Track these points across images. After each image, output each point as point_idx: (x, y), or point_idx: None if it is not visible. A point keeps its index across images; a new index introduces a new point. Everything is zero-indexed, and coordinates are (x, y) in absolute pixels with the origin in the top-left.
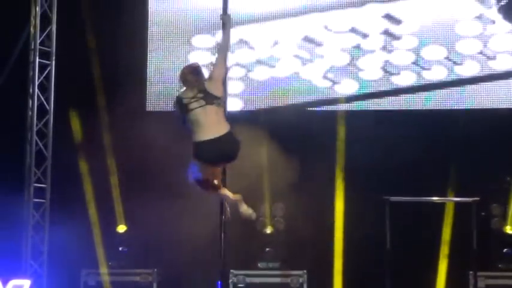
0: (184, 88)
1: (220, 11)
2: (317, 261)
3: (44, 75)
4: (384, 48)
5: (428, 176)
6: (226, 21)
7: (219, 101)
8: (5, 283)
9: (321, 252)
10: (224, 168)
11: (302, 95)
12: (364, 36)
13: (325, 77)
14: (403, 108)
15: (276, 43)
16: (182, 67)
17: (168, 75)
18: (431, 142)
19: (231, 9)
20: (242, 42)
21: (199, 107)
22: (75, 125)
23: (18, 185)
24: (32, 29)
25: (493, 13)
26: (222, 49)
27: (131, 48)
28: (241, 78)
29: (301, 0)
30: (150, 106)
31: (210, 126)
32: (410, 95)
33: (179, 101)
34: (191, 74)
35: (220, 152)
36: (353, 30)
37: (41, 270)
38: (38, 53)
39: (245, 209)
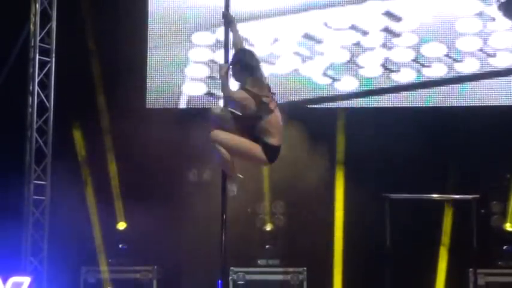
0: (251, 82)
1: (221, 8)
2: (317, 258)
3: (44, 72)
4: (384, 45)
5: (428, 173)
6: (230, 19)
7: None
8: (5, 280)
9: (321, 249)
10: None
11: (302, 92)
12: (364, 33)
13: (325, 74)
14: (403, 105)
15: (275, 40)
16: (247, 51)
17: (168, 73)
18: (431, 139)
19: (231, 6)
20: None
21: (276, 108)
22: (75, 122)
23: (18, 182)
24: (31, 26)
25: (493, 10)
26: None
27: (131, 46)
28: None
29: None
30: (150, 103)
31: (281, 131)
32: (410, 92)
33: (257, 97)
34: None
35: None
36: (353, 27)
37: (41, 267)
38: (38, 50)
39: (232, 187)
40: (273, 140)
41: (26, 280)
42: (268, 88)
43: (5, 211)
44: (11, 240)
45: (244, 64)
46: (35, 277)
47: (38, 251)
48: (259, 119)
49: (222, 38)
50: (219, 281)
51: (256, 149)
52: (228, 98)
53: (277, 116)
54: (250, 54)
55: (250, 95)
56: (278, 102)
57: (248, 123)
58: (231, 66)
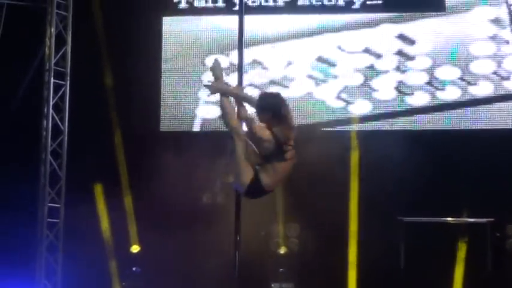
0: (281, 129)
1: (235, 31)
2: (331, 282)
3: (58, 95)
4: (398, 68)
5: (443, 197)
6: (239, 93)
7: None
8: None
9: (335, 273)
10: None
11: (316, 115)
12: (378, 56)
13: (338, 97)
14: (417, 128)
15: (289, 63)
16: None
17: (182, 96)
18: (446, 162)
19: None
20: (256, 62)
21: (291, 159)
22: (90, 145)
23: (32, 204)
24: (46, 50)
25: (507, 33)
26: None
27: (145, 69)
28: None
29: (315, 20)
30: (164, 126)
31: (281, 181)
32: (424, 115)
33: (279, 143)
34: None
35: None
36: (367, 50)
37: None
38: (52, 74)
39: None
40: (267, 182)
41: None
42: (293, 137)
43: (20, 234)
44: (25, 262)
45: (278, 114)
46: None
47: (52, 273)
48: (271, 158)
49: (235, 61)
50: None
51: (247, 175)
52: (251, 133)
53: (287, 166)
54: (285, 104)
55: (274, 139)
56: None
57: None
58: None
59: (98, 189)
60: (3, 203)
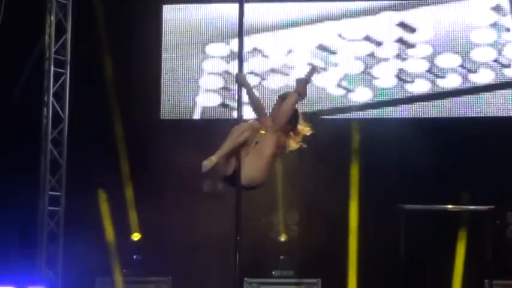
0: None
1: (235, 19)
2: (331, 269)
3: (58, 83)
4: (398, 56)
5: (443, 184)
6: (242, 81)
7: None
8: None
9: (335, 260)
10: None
11: (316, 103)
12: (378, 44)
13: (339, 85)
14: (418, 116)
15: (290, 51)
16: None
17: (182, 84)
18: (446, 150)
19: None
20: (256, 50)
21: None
22: (90, 133)
23: (33, 193)
24: (46, 38)
25: (508, 21)
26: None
27: (146, 57)
28: (255, 86)
29: (315, 8)
30: (164, 114)
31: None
32: (424, 103)
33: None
34: None
35: None
36: (367, 38)
37: (56, 277)
38: (52, 62)
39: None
40: (249, 173)
41: None
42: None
43: (20, 222)
44: (26, 251)
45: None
46: (50, 287)
47: (53, 261)
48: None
49: (236, 49)
50: None
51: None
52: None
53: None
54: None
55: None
56: None
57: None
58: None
59: (99, 177)
60: (4, 192)
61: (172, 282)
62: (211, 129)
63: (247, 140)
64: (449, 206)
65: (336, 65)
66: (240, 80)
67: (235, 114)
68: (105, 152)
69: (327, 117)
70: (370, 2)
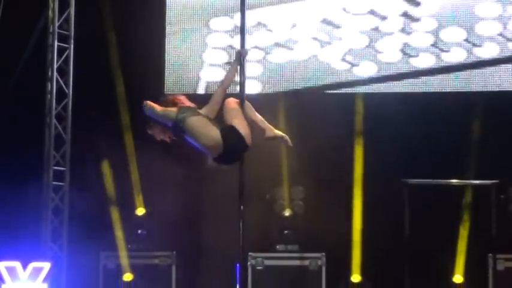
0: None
1: None
2: (336, 244)
3: (62, 58)
4: (403, 30)
5: (447, 159)
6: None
7: None
8: (25, 266)
9: (340, 235)
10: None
11: (320, 78)
12: (383, 18)
13: (343, 60)
14: (422, 90)
15: (294, 25)
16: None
17: (186, 58)
18: (450, 125)
19: None
20: (260, 24)
21: None
22: (94, 108)
23: (37, 168)
24: (50, 13)
25: None
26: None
27: (149, 31)
28: (260, 61)
29: None
30: (168, 89)
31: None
32: (429, 77)
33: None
34: None
35: None
36: (372, 12)
37: (61, 253)
38: (56, 37)
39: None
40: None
41: (45, 266)
42: None
43: (25, 197)
44: (30, 226)
45: None
46: (54, 263)
47: (58, 236)
48: None
49: (239, 23)
50: (237, 265)
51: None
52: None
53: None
54: None
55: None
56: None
57: None
58: None
59: (103, 152)
60: (8, 167)
61: (177, 257)
62: None
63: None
64: (453, 181)
65: (340, 39)
66: (243, 55)
67: (238, 88)
68: (109, 127)
69: (331, 91)
70: None
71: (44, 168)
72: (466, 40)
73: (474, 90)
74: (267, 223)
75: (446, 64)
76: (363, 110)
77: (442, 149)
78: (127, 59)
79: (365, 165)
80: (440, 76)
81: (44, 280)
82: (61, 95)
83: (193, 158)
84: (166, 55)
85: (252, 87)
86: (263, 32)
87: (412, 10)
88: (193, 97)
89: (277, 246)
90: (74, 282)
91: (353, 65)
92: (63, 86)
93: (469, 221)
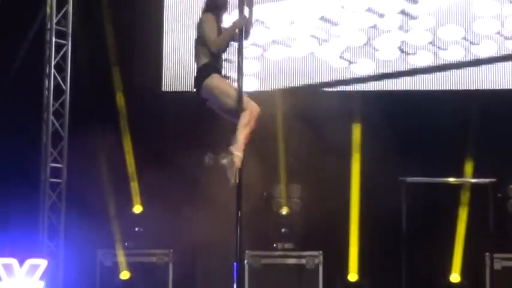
0: None
1: None
2: (333, 242)
3: (60, 55)
4: (401, 28)
5: (445, 157)
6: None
7: None
8: (21, 262)
9: (337, 233)
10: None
11: (318, 75)
12: (381, 16)
13: (341, 57)
14: (420, 88)
15: (292, 23)
16: None
17: (184, 55)
18: (448, 123)
19: None
20: (258, 21)
21: None
22: (92, 105)
23: (34, 165)
24: (48, 9)
25: None
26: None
27: (147, 28)
28: (257, 58)
29: None
30: (166, 86)
31: None
32: (427, 75)
33: None
34: None
35: None
36: (370, 10)
37: (58, 250)
38: (54, 33)
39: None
40: None
41: (42, 263)
42: None
43: (22, 194)
44: (28, 223)
45: None
46: (51, 260)
47: (55, 233)
48: None
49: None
50: (235, 263)
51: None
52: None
53: None
54: None
55: None
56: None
57: None
58: None
59: (100, 149)
60: (5, 164)
61: (173, 255)
62: None
63: None
64: (451, 179)
65: (338, 36)
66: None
67: (235, 85)
68: (107, 124)
69: (329, 89)
70: None
71: (41, 165)
72: (464, 38)
73: (472, 88)
74: (264, 221)
75: (444, 62)
76: (361, 108)
77: (439, 147)
78: (125, 56)
79: (362, 163)
80: (437, 74)
81: (41, 277)
82: (59, 91)
83: (191, 156)
84: (164, 52)
85: (250, 84)
86: (261, 29)
87: (410, 8)
88: (191, 95)
89: (274, 245)
90: (70, 279)
91: (351, 62)
92: (61, 83)
93: (466, 219)
